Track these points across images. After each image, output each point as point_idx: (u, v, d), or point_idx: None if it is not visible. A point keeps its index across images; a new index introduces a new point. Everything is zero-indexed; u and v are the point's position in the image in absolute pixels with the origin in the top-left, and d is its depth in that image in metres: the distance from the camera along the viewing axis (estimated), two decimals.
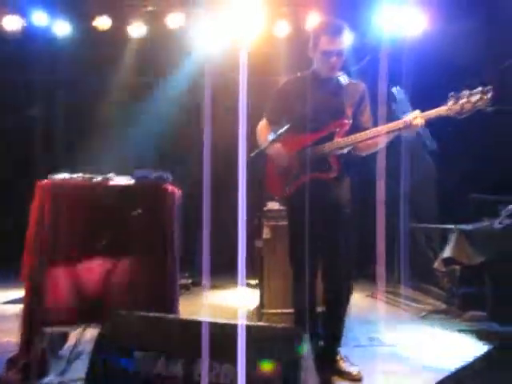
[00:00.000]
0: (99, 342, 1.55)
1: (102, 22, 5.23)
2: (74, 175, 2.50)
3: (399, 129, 2.32)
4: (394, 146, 2.64)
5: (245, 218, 2.20)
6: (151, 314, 1.69)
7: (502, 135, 4.38)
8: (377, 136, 2.38)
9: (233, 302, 4.38)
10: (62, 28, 5.39)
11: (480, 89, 2.16)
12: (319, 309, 2.66)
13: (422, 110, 2.32)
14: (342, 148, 2.45)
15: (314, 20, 5.08)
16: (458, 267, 3.66)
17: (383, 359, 2.78)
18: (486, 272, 3.66)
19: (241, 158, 2.30)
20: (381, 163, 2.86)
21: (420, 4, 4.91)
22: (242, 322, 1.48)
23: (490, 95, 2.13)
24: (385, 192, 2.74)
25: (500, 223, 3.12)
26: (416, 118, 2.27)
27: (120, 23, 5.35)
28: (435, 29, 4.87)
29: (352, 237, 2.52)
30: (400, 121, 2.33)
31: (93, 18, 5.26)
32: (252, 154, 2.38)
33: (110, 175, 2.55)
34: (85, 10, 5.36)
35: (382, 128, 2.38)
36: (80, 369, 2.29)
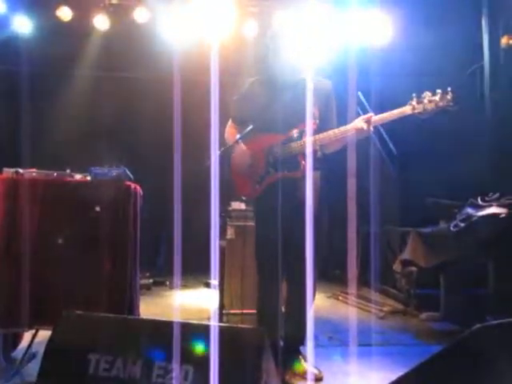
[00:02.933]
0: (52, 344, 1.49)
1: (63, 13, 5.06)
2: (30, 170, 2.40)
3: (361, 128, 2.36)
4: (360, 149, 2.69)
5: (217, 218, 2.20)
6: (107, 315, 1.63)
7: (459, 141, 4.55)
8: (344, 135, 2.42)
9: (196, 303, 4.34)
10: (22, 19, 5.18)
11: (440, 90, 2.26)
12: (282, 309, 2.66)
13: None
14: (309, 147, 2.47)
15: (280, 22, 5.10)
16: (414, 269, 3.77)
17: (343, 359, 2.82)
18: (441, 274, 3.80)
19: (213, 158, 2.29)
20: (351, 167, 2.91)
21: (386, 12, 5.03)
22: (207, 322, 1.46)
23: (449, 96, 2.23)
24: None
25: (454, 226, 3.23)
26: (366, 123, 2.33)
27: (82, 15, 5.19)
28: (400, 37, 5.00)
29: (320, 237, 2.54)
30: (350, 126, 2.39)
31: (54, 9, 5.08)
32: (218, 152, 2.37)
33: (67, 171, 2.46)
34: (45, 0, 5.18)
35: (348, 127, 2.42)
36: (33, 372, 2.20)
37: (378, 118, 2.39)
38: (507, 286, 3.07)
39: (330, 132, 2.44)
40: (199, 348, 1.37)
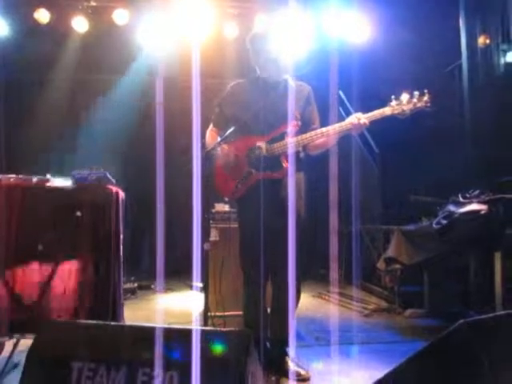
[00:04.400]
0: (33, 353, 1.45)
1: (41, 16, 4.98)
2: (8, 176, 2.34)
3: (347, 129, 2.39)
4: (342, 148, 2.71)
5: (200, 220, 2.18)
6: (89, 322, 1.61)
7: (439, 139, 4.62)
8: (326, 135, 2.44)
9: (182, 306, 4.30)
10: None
11: (417, 92, 2.34)
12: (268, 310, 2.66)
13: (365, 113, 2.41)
14: (292, 148, 2.48)
15: (260, 23, 5.13)
16: (398, 266, 3.80)
17: (329, 358, 2.83)
18: (424, 271, 3.84)
19: (195, 159, 2.27)
20: (333, 166, 2.93)
21: (365, 12, 5.09)
22: (191, 326, 1.45)
23: (427, 97, 2.30)
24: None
25: (437, 224, 3.27)
26: (361, 118, 2.36)
27: (61, 18, 5.12)
28: (379, 36, 5.06)
29: (303, 237, 2.54)
30: (346, 121, 2.40)
31: (32, 12, 5.00)
32: (199, 155, 2.35)
33: (47, 176, 2.42)
34: (23, 1, 5.09)
35: (331, 128, 2.43)
36: (14, 382, 2.15)
37: None
38: (489, 281, 3.12)
39: (313, 132, 2.46)
40: (184, 353, 1.36)
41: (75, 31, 5.29)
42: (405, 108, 2.33)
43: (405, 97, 2.34)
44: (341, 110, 5.02)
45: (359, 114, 2.39)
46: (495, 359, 1.25)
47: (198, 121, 2.34)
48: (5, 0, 5.06)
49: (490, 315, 1.34)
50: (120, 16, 5.12)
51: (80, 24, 5.19)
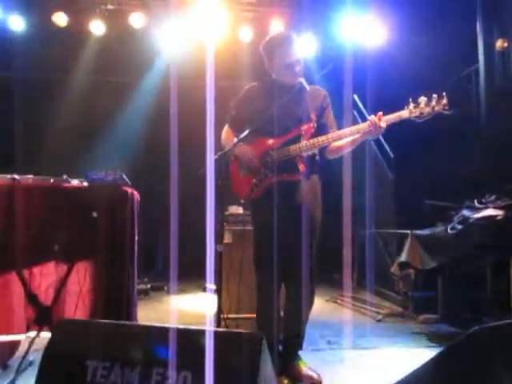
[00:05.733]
0: (49, 351, 1.48)
1: (59, 19, 5.07)
2: (26, 176, 2.39)
3: (366, 131, 2.37)
4: (357, 152, 2.69)
5: (213, 222, 2.19)
6: (104, 321, 1.63)
7: (455, 144, 4.57)
8: (342, 137, 2.42)
9: (194, 307, 4.33)
10: (18, 23, 5.18)
11: (436, 95, 2.30)
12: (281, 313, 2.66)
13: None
14: (308, 150, 2.48)
15: (276, 27, 5.15)
16: (412, 271, 3.77)
17: (341, 362, 2.81)
18: (439, 276, 3.80)
19: (208, 162, 2.29)
20: (347, 170, 2.91)
21: (381, 16, 5.07)
22: (204, 327, 1.46)
23: (445, 100, 2.26)
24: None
25: (452, 229, 3.24)
26: (380, 120, 2.33)
27: (78, 21, 5.20)
28: (395, 40, 5.04)
29: (318, 240, 2.54)
30: (365, 123, 2.38)
31: (50, 14, 5.10)
32: (216, 156, 2.36)
33: (64, 177, 2.46)
34: (41, 5, 5.19)
35: (347, 130, 2.42)
36: (30, 380, 2.19)
37: None
38: (504, 287, 3.07)
39: (329, 135, 2.45)
40: (197, 354, 1.37)
41: (92, 34, 5.37)
42: (423, 111, 2.29)
43: (423, 100, 2.30)
44: (355, 113, 5.00)
45: (379, 114, 2.34)
46: (510, 366, 1.23)
47: (211, 123, 2.36)
48: (24, 3, 5.16)
49: (505, 322, 1.33)
50: (136, 19, 5.19)
51: (97, 27, 5.27)
